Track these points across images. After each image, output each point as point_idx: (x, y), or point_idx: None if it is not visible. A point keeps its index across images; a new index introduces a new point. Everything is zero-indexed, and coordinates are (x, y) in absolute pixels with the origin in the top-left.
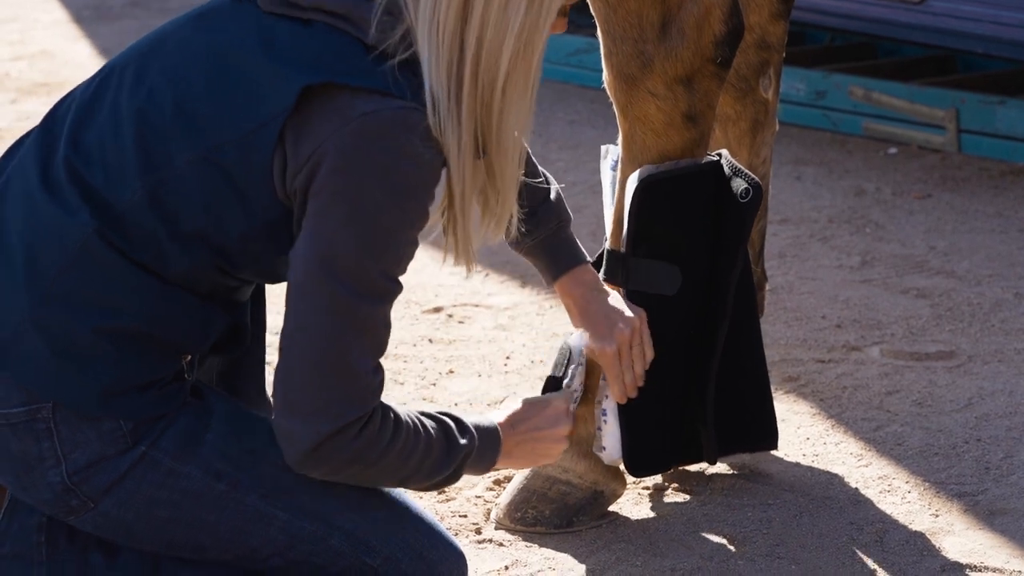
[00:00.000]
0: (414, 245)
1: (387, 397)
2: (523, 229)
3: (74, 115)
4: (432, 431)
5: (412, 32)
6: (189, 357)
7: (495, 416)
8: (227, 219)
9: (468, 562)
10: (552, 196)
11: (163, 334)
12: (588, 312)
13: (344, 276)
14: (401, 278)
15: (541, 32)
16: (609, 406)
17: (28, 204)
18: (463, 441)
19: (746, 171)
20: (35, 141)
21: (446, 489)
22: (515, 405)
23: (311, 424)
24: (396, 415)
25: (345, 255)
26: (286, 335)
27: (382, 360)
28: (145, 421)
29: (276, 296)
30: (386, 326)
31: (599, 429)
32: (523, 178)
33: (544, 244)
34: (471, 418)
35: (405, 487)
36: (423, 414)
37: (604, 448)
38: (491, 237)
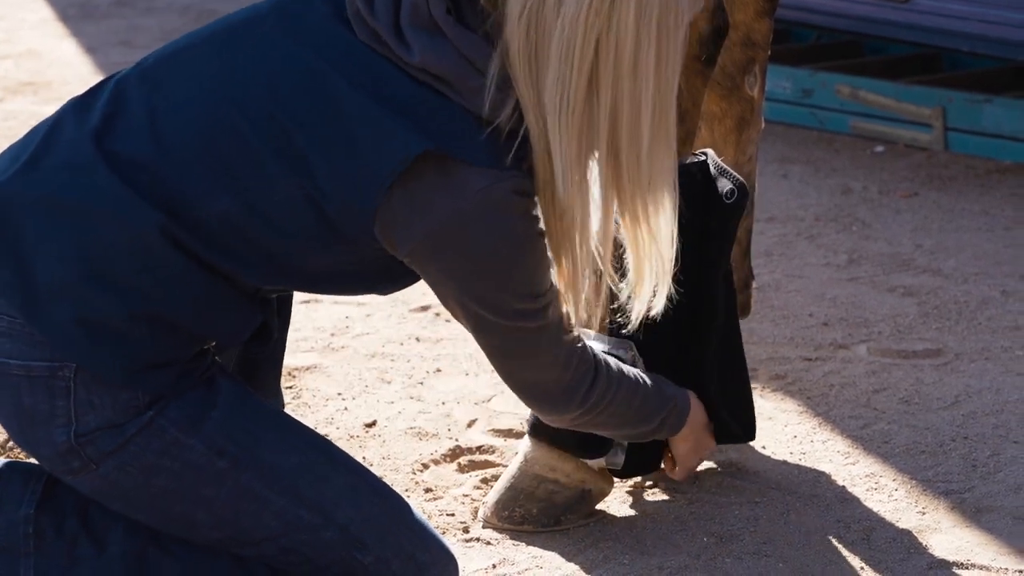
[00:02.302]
0: (545, 269)
1: (375, 395)
2: None
3: (151, 83)
4: (647, 379)
5: (523, 104)
6: (215, 343)
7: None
8: (312, 249)
9: (459, 565)
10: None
11: (199, 327)
12: None
13: (496, 319)
14: (551, 283)
15: (672, 89)
16: None
17: (87, 176)
18: (671, 392)
19: (731, 171)
20: (103, 102)
21: (433, 487)
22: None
23: (545, 408)
24: (616, 368)
25: (490, 306)
26: (495, 366)
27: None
28: (161, 395)
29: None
30: (556, 322)
31: (616, 446)
32: None
33: None
34: (668, 385)
35: (623, 432)
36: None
37: (618, 464)
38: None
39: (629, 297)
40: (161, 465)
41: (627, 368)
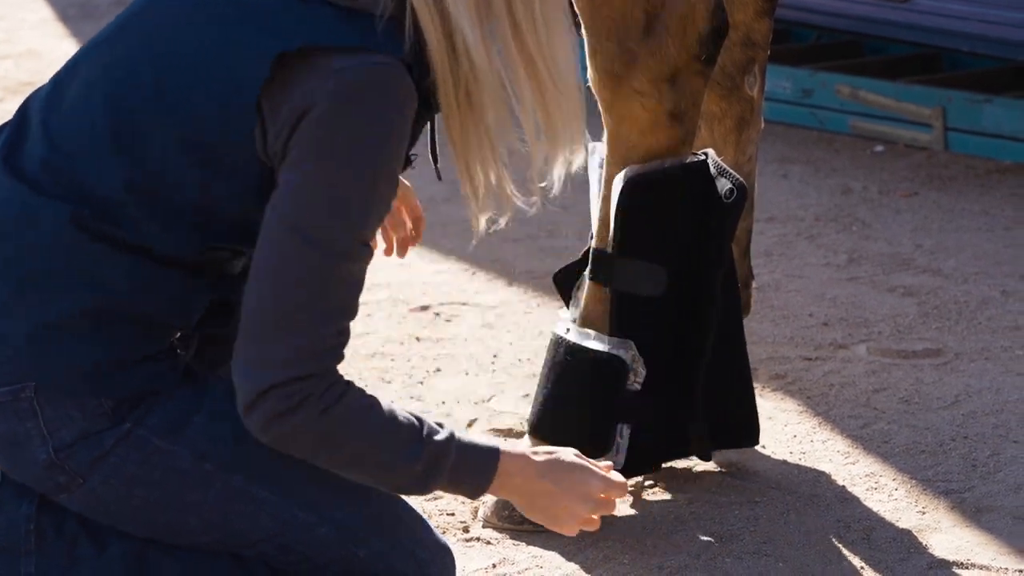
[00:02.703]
0: (385, 206)
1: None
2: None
3: (46, 98)
4: (408, 416)
5: None
6: (179, 334)
7: (510, 444)
8: (212, 192)
9: (457, 562)
10: None
11: (146, 312)
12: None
13: (312, 230)
14: (371, 244)
15: None
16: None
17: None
18: (440, 437)
19: (731, 171)
20: (11, 127)
21: None
22: (553, 449)
23: (257, 373)
24: (360, 391)
25: (315, 210)
26: (248, 284)
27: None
28: (130, 398)
29: None
30: (353, 288)
31: (617, 445)
32: None
33: None
34: (472, 433)
35: (367, 475)
36: (409, 412)
37: (619, 463)
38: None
39: (546, 160)
40: (145, 475)
41: (392, 408)
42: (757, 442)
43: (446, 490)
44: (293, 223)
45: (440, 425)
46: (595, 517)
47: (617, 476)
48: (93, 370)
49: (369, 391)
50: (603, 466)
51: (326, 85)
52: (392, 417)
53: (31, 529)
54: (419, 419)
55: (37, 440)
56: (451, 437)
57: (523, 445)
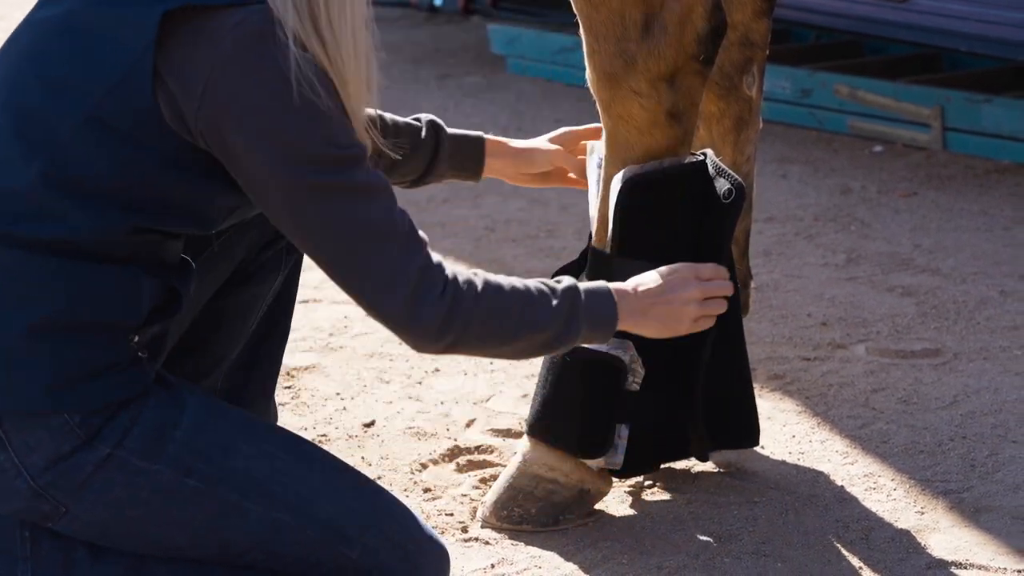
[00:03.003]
0: (340, 112)
1: (373, 395)
2: (413, 168)
3: None
4: (522, 282)
5: None
6: (137, 338)
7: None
8: (128, 170)
9: (451, 558)
10: (424, 123)
11: (91, 315)
12: (520, 155)
13: (304, 170)
14: (358, 140)
15: None
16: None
17: None
18: (564, 285)
19: (729, 171)
20: None
21: (432, 487)
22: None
23: (388, 298)
24: (465, 273)
25: (290, 153)
26: (310, 255)
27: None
28: (99, 411)
29: None
30: (375, 185)
31: (616, 446)
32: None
33: (439, 160)
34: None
35: (525, 349)
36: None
37: (617, 464)
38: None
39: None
40: (130, 497)
41: (503, 279)
42: (757, 443)
43: (587, 336)
44: (283, 179)
45: (552, 281)
46: (709, 313)
47: (715, 273)
48: (51, 386)
49: (367, 392)
50: (706, 272)
51: (223, 47)
52: (516, 282)
53: (26, 537)
54: (539, 282)
55: (12, 472)
56: (571, 284)
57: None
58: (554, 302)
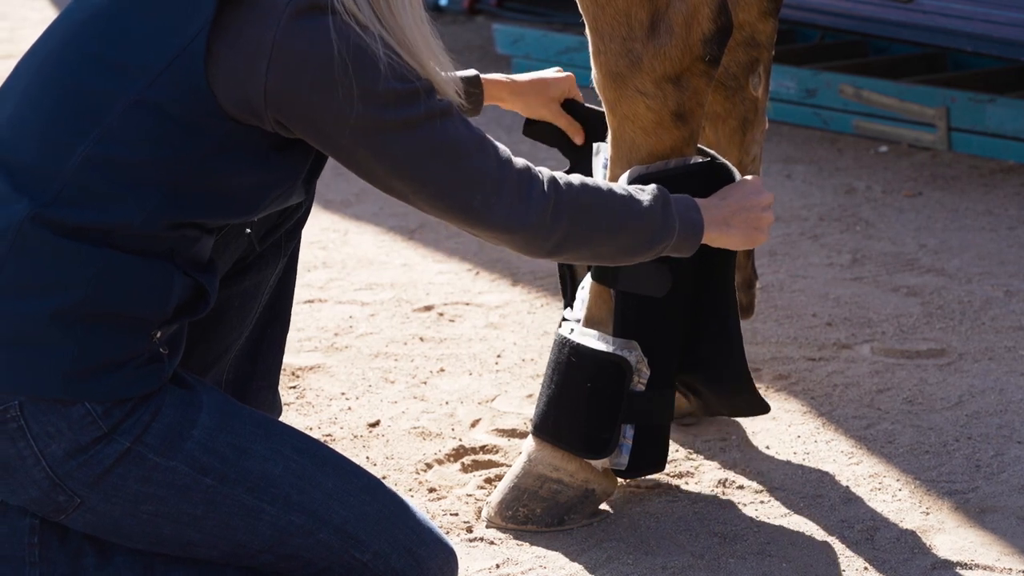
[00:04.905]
0: (400, 59)
1: (378, 395)
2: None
3: None
4: (613, 185)
5: None
6: (159, 334)
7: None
8: (176, 157)
9: (459, 559)
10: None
11: (117, 306)
12: (522, 87)
13: (386, 112)
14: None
15: None
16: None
17: None
18: (651, 188)
19: (731, 167)
20: None
21: (437, 487)
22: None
23: (498, 203)
24: (553, 172)
25: (369, 99)
26: (410, 197)
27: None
28: (119, 403)
29: None
30: (450, 106)
31: (621, 446)
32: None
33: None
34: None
35: (627, 246)
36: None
37: (623, 464)
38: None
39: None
40: (145, 492)
41: (597, 181)
42: (767, 409)
43: (679, 242)
44: (366, 129)
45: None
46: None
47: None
48: (72, 374)
49: (373, 392)
50: (753, 180)
51: (280, 21)
52: (601, 181)
53: (35, 542)
54: (627, 186)
55: (31, 460)
56: (657, 187)
57: None
58: (648, 197)
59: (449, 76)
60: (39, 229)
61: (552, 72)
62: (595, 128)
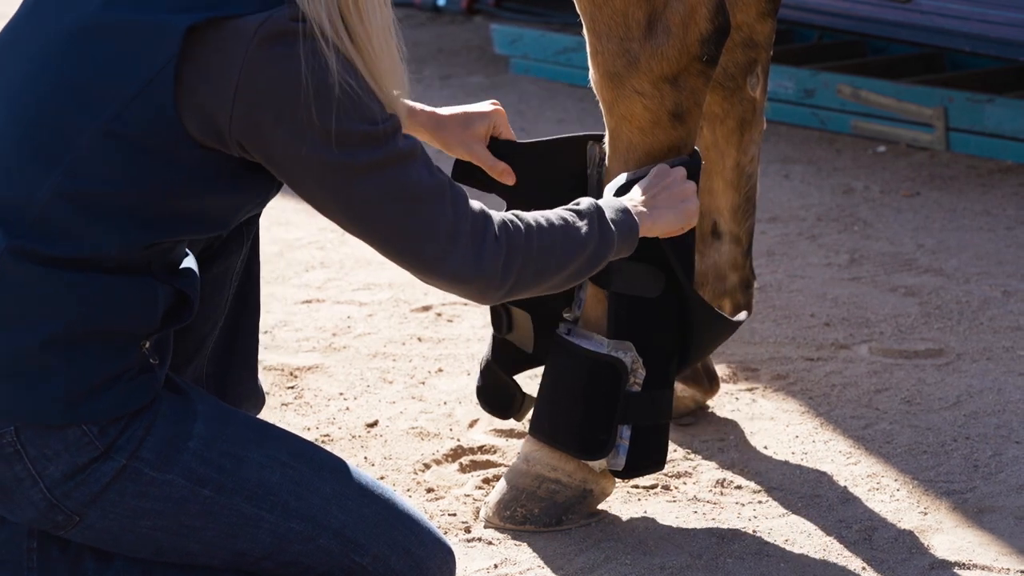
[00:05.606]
0: (370, 93)
1: (376, 395)
2: None
3: None
4: (551, 213)
5: None
6: (148, 344)
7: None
8: (148, 185)
9: (457, 559)
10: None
11: (107, 324)
12: (444, 121)
13: (348, 152)
14: (389, 113)
15: None
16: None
17: None
18: (585, 206)
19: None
20: None
21: (435, 487)
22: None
23: (451, 254)
24: (500, 214)
25: (332, 138)
26: (363, 234)
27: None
28: (114, 421)
29: None
30: (415, 149)
31: (618, 447)
32: None
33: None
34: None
35: (575, 272)
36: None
37: (620, 465)
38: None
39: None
40: (144, 507)
41: (538, 214)
42: (737, 324)
43: (619, 246)
44: (324, 163)
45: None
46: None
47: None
48: (67, 399)
49: (371, 392)
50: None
51: (248, 49)
52: (546, 214)
53: (33, 547)
54: (565, 209)
55: (28, 482)
56: (591, 202)
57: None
58: (586, 221)
59: (402, 104)
60: (18, 261)
61: (483, 105)
62: (530, 162)
